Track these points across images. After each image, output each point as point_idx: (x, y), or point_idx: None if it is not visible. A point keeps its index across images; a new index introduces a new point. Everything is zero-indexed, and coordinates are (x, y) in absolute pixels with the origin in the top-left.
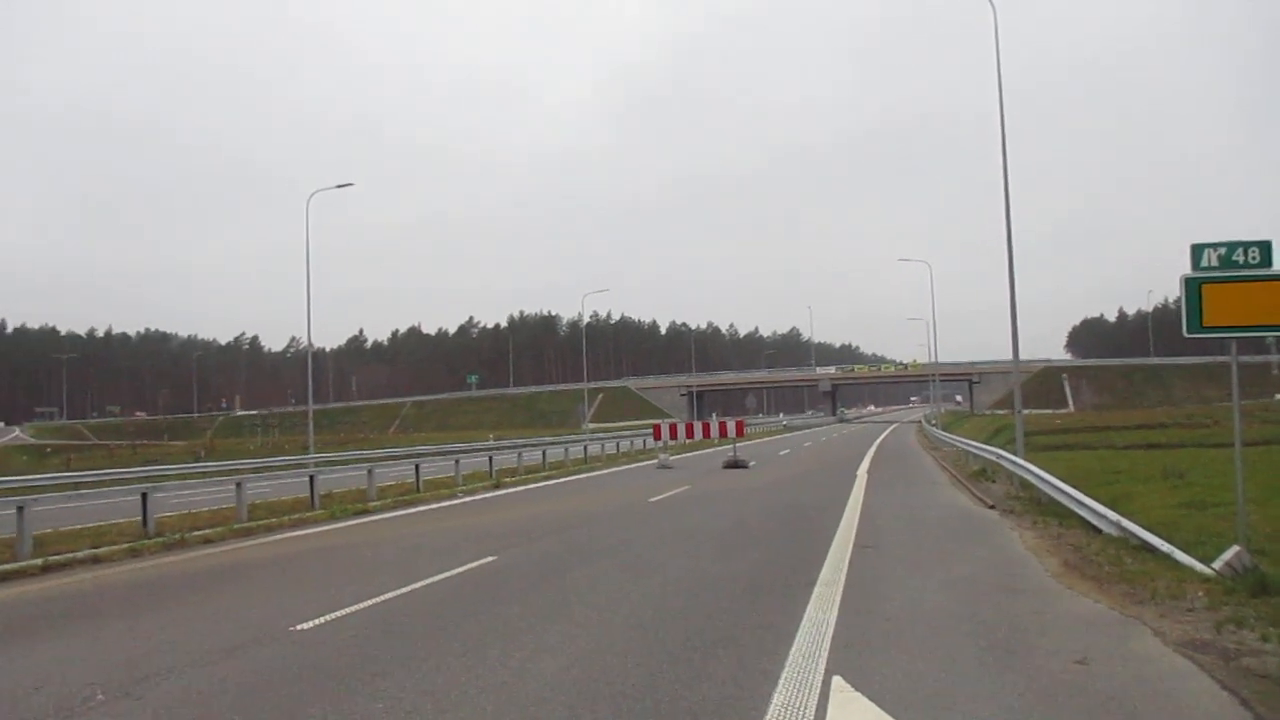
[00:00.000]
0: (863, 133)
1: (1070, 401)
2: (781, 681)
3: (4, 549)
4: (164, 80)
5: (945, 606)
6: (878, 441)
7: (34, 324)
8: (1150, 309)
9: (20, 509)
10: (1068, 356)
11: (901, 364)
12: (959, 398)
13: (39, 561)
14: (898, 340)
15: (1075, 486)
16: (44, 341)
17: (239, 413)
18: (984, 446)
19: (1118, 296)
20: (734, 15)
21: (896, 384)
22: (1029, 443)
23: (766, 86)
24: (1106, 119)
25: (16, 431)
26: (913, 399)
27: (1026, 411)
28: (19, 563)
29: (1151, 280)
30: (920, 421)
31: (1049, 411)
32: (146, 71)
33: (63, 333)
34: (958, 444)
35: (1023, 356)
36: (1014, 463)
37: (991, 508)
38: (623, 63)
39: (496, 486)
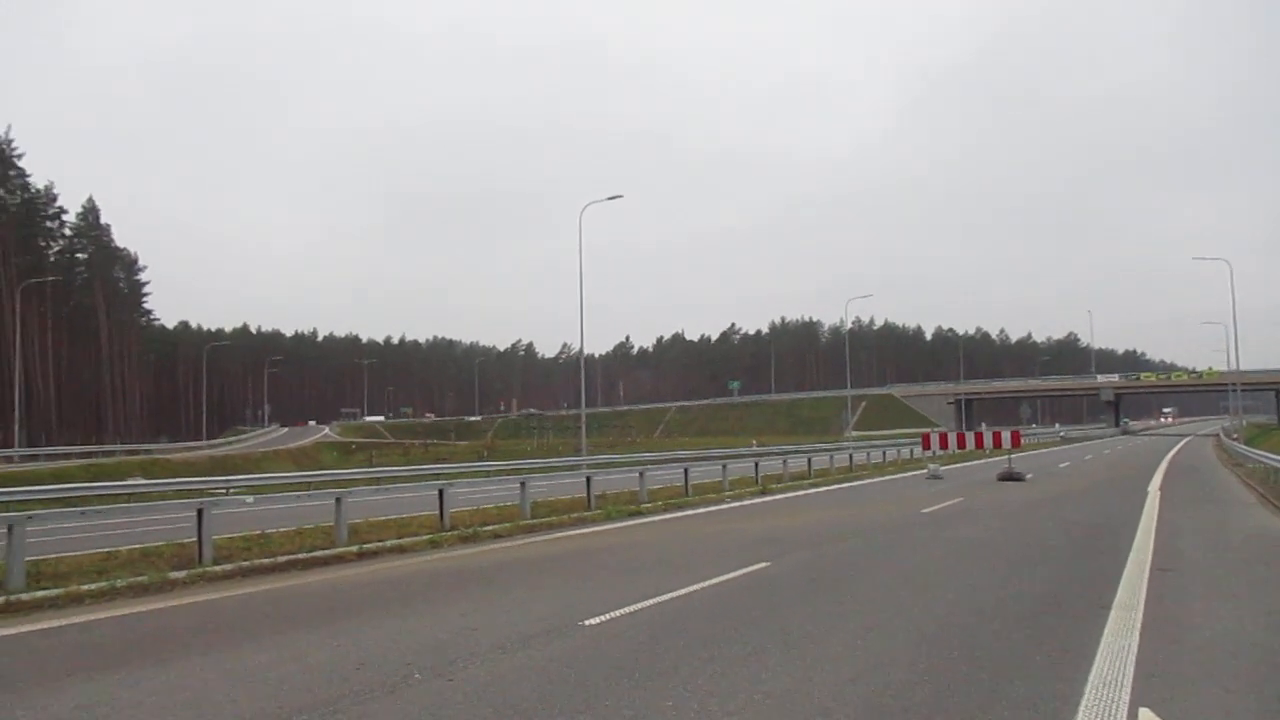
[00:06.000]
0: (1150, 128)
1: None
2: (1082, 709)
3: (324, 536)
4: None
5: (1263, 639)
6: (1169, 455)
7: (340, 333)
8: None
9: (338, 500)
10: None
11: (1195, 372)
12: None
13: (355, 548)
14: (1191, 346)
15: None
16: (349, 348)
17: (515, 415)
18: None
19: None
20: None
21: (1190, 393)
22: None
23: (1062, 84)
24: None
25: (326, 430)
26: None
27: None
28: (338, 549)
29: None
30: (1218, 435)
31: None
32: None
33: (364, 340)
34: (1265, 460)
35: None
36: None
37: None
38: (911, 65)
39: (763, 492)
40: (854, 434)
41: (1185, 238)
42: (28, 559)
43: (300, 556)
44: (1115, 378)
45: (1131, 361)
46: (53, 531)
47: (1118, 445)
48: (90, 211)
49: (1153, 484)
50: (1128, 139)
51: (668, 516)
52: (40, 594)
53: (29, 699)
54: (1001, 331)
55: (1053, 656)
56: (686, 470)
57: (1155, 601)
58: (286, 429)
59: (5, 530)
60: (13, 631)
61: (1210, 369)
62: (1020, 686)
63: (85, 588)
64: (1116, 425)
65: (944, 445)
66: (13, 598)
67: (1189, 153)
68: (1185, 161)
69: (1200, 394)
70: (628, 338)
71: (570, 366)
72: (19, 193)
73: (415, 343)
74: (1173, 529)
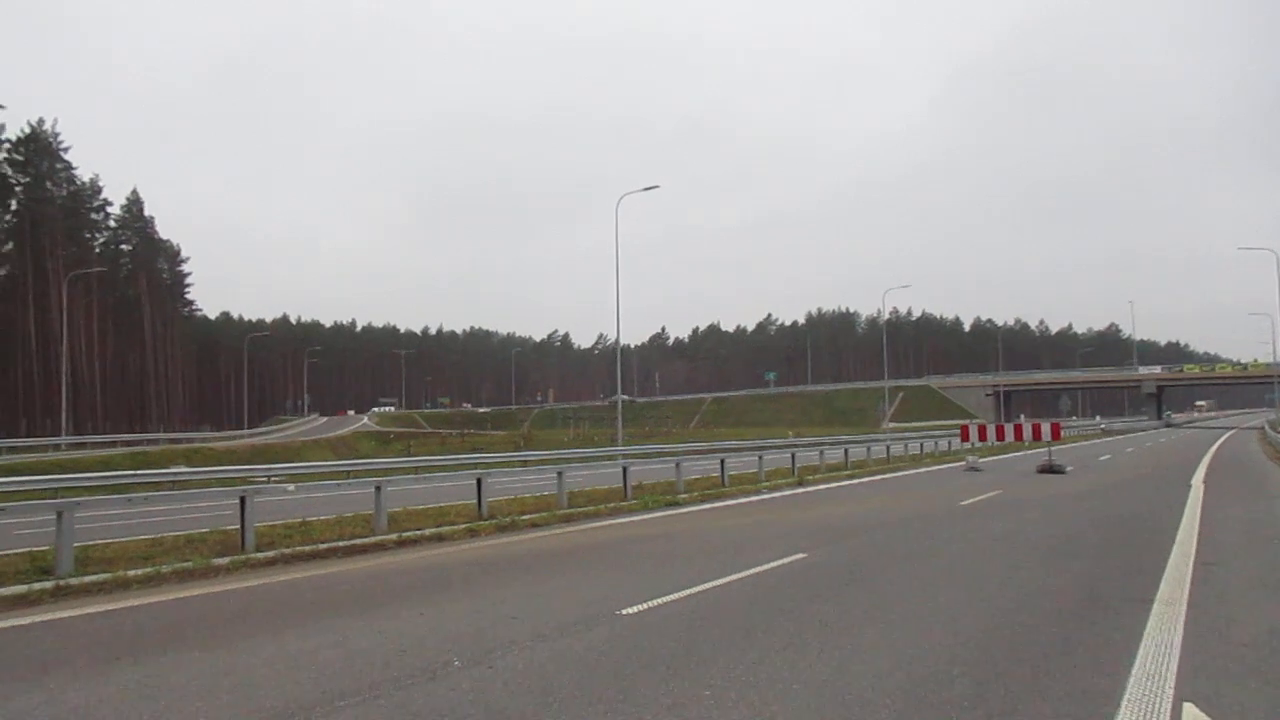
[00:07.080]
0: (1184, 115)
1: None
2: (1124, 704)
3: (364, 524)
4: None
5: None
6: (1213, 448)
7: (378, 323)
8: None
9: (377, 489)
10: None
11: (1240, 364)
12: None
13: (394, 536)
14: (1237, 338)
15: None
16: (387, 339)
17: (552, 405)
18: None
19: None
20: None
21: (1234, 386)
22: None
23: (1100, 79)
24: None
25: (364, 419)
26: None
27: None
28: (378, 537)
29: None
30: (1263, 428)
31: None
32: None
33: (401, 330)
34: None
35: None
36: None
37: None
38: (954, 51)
39: (800, 484)
40: (891, 425)
41: (1233, 227)
42: (76, 545)
43: (340, 544)
44: (1157, 369)
45: (1174, 353)
46: (100, 518)
47: (1160, 438)
48: (134, 204)
49: (1196, 477)
50: (1169, 124)
51: (704, 507)
52: (89, 579)
53: (79, 682)
54: (1041, 322)
55: (1094, 650)
56: (723, 461)
57: (1199, 596)
58: (326, 418)
59: (55, 517)
60: (63, 615)
61: (1255, 361)
62: (1061, 680)
63: (132, 573)
64: (1159, 418)
65: (982, 437)
66: (62, 583)
67: (1232, 139)
68: (1230, 147)
69: (1244, 386)
70: (664, 328)
71: (606, 357)
72: (65, 185)
73: (452, 333)
74: (1218, 522)
